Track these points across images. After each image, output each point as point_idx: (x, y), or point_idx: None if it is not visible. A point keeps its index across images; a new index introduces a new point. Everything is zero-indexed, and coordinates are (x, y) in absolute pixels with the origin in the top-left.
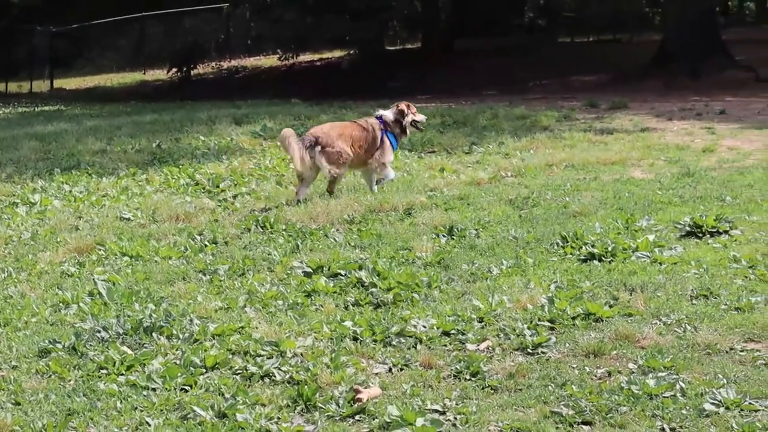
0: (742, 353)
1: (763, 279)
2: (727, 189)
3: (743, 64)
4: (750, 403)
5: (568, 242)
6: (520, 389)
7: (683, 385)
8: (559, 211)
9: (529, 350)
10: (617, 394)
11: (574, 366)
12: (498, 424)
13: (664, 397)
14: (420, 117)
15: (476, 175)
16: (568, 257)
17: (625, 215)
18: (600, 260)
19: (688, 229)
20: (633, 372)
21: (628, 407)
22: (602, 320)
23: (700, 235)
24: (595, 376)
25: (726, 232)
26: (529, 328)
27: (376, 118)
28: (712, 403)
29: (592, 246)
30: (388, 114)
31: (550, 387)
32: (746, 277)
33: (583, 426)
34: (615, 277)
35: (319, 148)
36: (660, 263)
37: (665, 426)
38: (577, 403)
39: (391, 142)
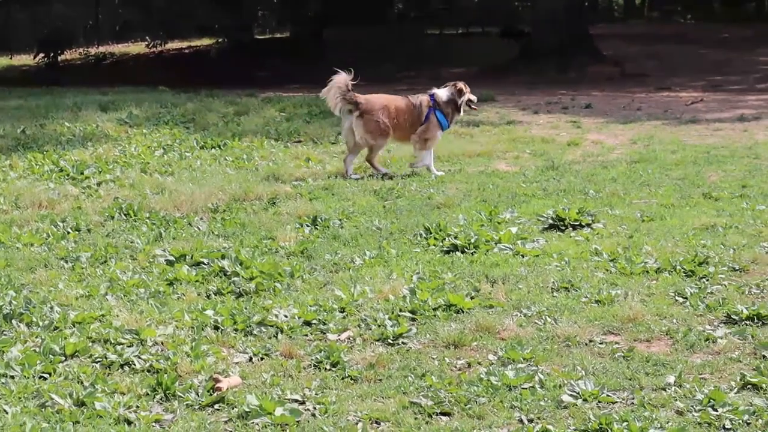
0: (601, 345)
1: (623, 272)
2: (591, 182)
3: (610, 59)
4: (607, 395)
5: (431, 233)
6: (380, 380)
7: (542, 377)
8: (423, 202)
9: (389, 341)
10: (476, 385)
11: (434, 357)
12: (357, 414)
13: (522, 388)
14: (473, 97)
15: (342, 165)
16: (431, 248)
17: (489, 207)
18: (463, 252)
19: (551, 221)
20: (492, 363)
21: (487, 398)
22: (463, 311)
23: (563, 228)
24: (455, 367)
25: (588, 225)
26: (390, 318)
27: (429, 96)
28: (570, 395)
29: (455, 237)
30: (441, 93)
31: (409, 378)
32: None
33: (441, 417)
34: (477, 268)
35: (357, 113)
36: (522, 255)
37: (523, 417)
38: (437, 394)
39: (439, 121)
